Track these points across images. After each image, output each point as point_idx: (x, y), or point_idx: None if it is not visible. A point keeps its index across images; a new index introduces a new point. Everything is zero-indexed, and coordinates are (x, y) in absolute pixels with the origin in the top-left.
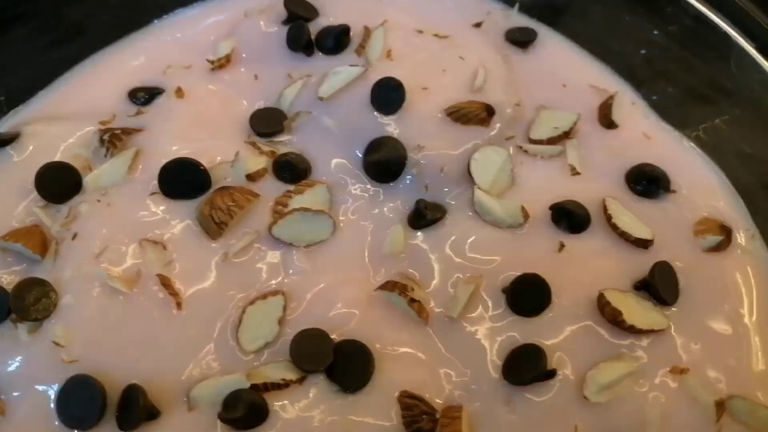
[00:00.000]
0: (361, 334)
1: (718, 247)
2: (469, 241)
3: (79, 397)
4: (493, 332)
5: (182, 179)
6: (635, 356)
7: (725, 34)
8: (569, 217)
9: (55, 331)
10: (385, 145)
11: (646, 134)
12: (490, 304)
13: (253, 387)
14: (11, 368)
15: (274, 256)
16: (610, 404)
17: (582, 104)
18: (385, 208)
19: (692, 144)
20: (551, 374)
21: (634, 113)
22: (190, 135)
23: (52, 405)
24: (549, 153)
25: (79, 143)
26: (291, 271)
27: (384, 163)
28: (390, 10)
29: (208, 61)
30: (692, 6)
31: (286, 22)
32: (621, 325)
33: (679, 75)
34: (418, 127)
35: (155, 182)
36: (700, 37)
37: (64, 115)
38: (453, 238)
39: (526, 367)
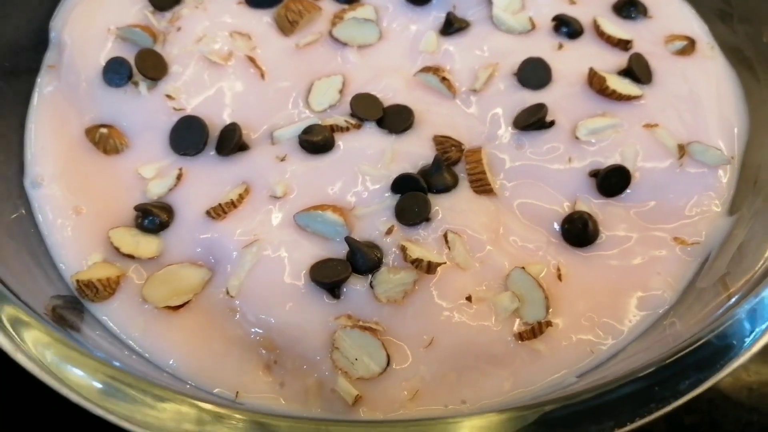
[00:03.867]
0: (404, 103)
1: (684, 51)
2: (487, 43)
3: (187, 131)
4: (506, 101)
5: None
6: (616, 114)
7: None
8: (568, 25)
9: (167, 88)
10: None
11: None
12: (503, 83)
13: None
14: (134, 115)
15: (333, 51)
16: (596, 143)
17: None
18: (421, 23)
19: None
20: (550, 124)
21: None
22: None
23: (164, 139)
24: None
25: None
26: (347, 63)
27: None
28: None
29: None
30: None
31: None
32: (605, 91)
33: None
34: None
35: None
36: None
37: None
38: (475, 41)
39: (530, 116)
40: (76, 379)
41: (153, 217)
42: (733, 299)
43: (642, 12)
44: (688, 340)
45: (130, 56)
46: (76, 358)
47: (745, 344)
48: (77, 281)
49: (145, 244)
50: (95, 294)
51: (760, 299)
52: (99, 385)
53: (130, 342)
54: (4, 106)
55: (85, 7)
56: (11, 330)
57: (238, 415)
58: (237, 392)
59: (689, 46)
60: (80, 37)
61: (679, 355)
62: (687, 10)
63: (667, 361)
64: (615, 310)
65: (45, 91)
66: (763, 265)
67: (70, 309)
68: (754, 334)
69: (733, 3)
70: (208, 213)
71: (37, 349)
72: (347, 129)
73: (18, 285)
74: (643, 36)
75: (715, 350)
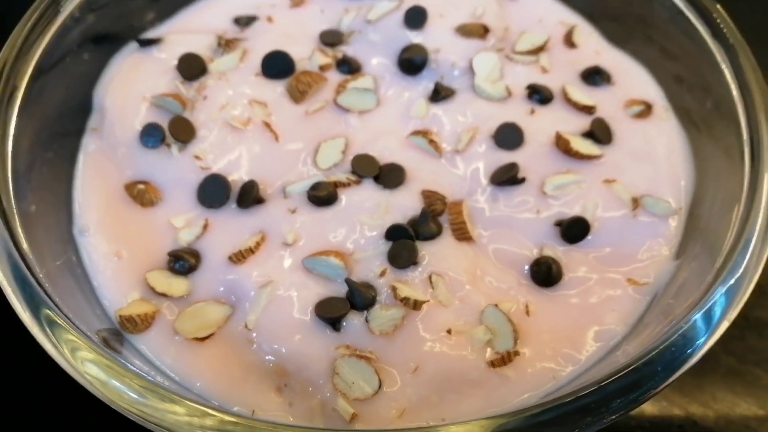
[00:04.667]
0: (397, 161)
1: (641, 114)
2: (470, 108)
3: (213, 187)
4: (485, 160)
5: (277, 64)
6: (579, 171)
7: None
8: (539, 93)
9: (195, 150)
10: (413, 48)
11: (597, 51)
12: (483, 145)
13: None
14: (167, 173)
15: (338, 116)
16: (561, 197)
17: (553, 34)
18: (413, 91)
19: (629, 58)
20: (522, 180)
21: (590, 38)
22: (279, 44)
23: (192, 194)
24: (528, 60)
25: (203, 46)
26: (349, 127)
27: (412, 60)
28: None
29: None
30: None
31: None
32: (569, 152)
33: (622, 12)
34: (436, 38)
35: (258, 69)
36: None
37: (190, 30)
38: (459, 107)
39: (504, 173)
40: (119, 390)
41: (183, 262)
42: (663, 333)
43: (606, 79)
44: (622, 365)
45: (162, 120)
46: (120, 373)
47: (669, 372)
48: (120, 316)
49: (177, 285)
50: (134, 327)
51: (680, 335)
52: (136, 396)
53: (164, 367)
54: (56, 163)
55: (123, 77)
56: (69, 355)
57: (251, 423)
58: (253, 410)
59: (646, 110)
60: (119, 104)
61: (612, 378)
62: (646, 77)
63: (602, 383)
64: (574, 342)
65: (89, 150)
66: (691, 304)
67: (114, 339)
68: (676, 364)
69: (686, 68)
70: (230, 258)
71: (90, 369)
72: (348, 185)
73: (73, 317)
74: (607, 101)
75: (642, 375)
